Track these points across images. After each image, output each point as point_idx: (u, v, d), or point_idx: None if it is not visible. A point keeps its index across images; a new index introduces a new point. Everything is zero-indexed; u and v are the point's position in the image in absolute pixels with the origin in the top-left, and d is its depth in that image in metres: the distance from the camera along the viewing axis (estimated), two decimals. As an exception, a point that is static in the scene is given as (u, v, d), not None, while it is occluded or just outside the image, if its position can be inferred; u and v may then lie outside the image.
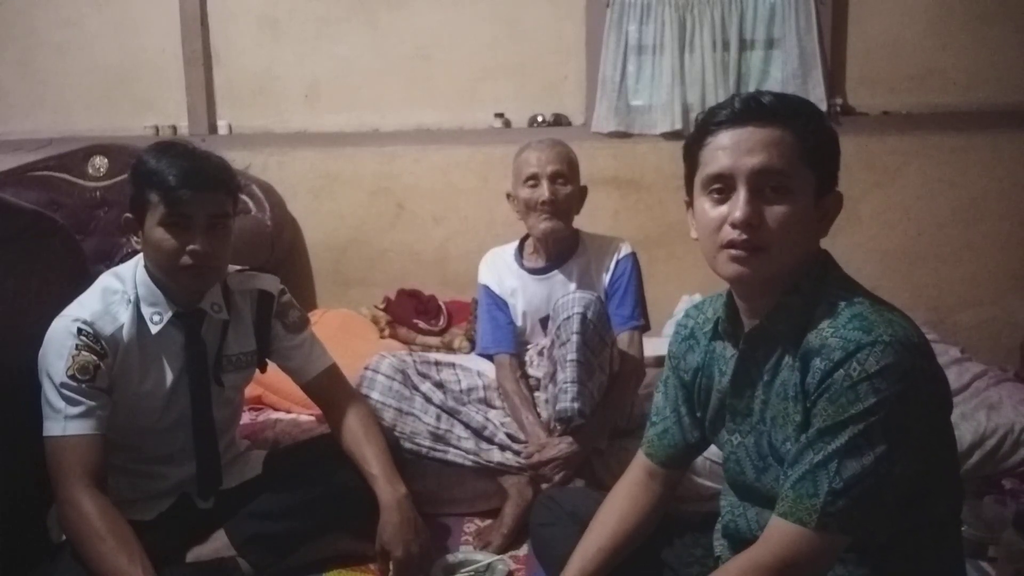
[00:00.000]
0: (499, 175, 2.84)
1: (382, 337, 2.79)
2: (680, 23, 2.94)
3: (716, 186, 1.10)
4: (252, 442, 1.94)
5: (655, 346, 2.21)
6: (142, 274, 1.58)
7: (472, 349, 2.53)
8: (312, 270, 3.21)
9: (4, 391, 1.50)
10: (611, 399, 1.96)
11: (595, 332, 1.85)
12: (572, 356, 1.83)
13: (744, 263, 1.08)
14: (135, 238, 1.57)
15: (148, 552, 1.41)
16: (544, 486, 1.88)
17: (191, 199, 1.49)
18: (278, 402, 2.33)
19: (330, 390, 1.79)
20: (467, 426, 2.00)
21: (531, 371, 2.11)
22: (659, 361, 1.90)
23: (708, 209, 1.12)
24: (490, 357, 2.15)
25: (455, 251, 3.12)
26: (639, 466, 1.37)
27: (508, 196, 2.15)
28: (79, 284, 1.61)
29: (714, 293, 1.29)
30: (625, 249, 2.11)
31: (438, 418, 1.98)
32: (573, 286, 2.06)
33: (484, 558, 1.76)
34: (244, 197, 2.72)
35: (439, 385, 2.05)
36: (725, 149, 1.09)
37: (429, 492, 1.95)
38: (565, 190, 2.04)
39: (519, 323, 2.15)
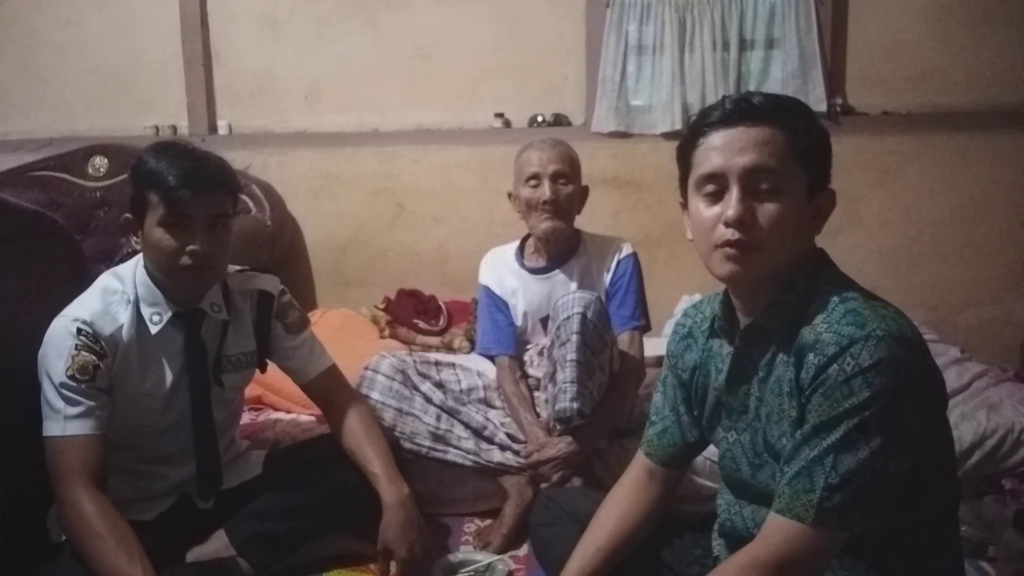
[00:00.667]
0: (499, 175, 2.85)
1: (382, 337, 2.79)
2: (680, 23, 2.94)
3: (709, 186, 1.11)
4: (252, 442, 1.94)
5: (655, 346, 2.20)
6: (142, 274, 1.58)
7: (472, 349, 2.53)
8: (312, 270, 3.21)
9: (4, 391, 1.50)
10: (611, 399, 1.96)
11: (595, 332, 1.85)
12: (572, 356, 1.83)
13: (738, 262, 1.09)
14: (135, 238, 1.57)
15: (148, 552, 1.41)
16: (543, 485, 1.88)
17: (191, 199, 1.49)
18: (278, 402, 2.33)
19: (330, 390, 1.79)
20: (467, 426, 2.00)
21: (531, 371, 2.11)
22: (659, 361, 1.89)
23: (702, 209, 1.12)
24: (491, 357, 2.15)
25: (455, 251, 3.12)
26: (638, 466, 1.38)
27: (509, 196, 2.15)
28: (79, 284, 1.61)
29: (713, 293, 1.29)
30: (626, 249, 2.11)
31: (438, 418, 1.99)
32: (574, 286, 2.07)
33: (484, 558, 1.76)
34: (244, 197, 2.72)
35: (439, 385, 2.05)
36: (717, 149, 1.10)
37: (429, 492, 1.95)
38: (567, 190, 2.05)
39: (519, 323, 2.15)
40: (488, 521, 1.96)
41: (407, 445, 1.93)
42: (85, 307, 1.53)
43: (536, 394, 2.06)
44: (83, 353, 1.48)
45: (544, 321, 2.09)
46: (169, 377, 1.60)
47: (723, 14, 2.93)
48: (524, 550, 1.83)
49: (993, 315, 3.02)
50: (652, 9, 2.96)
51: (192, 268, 1.52)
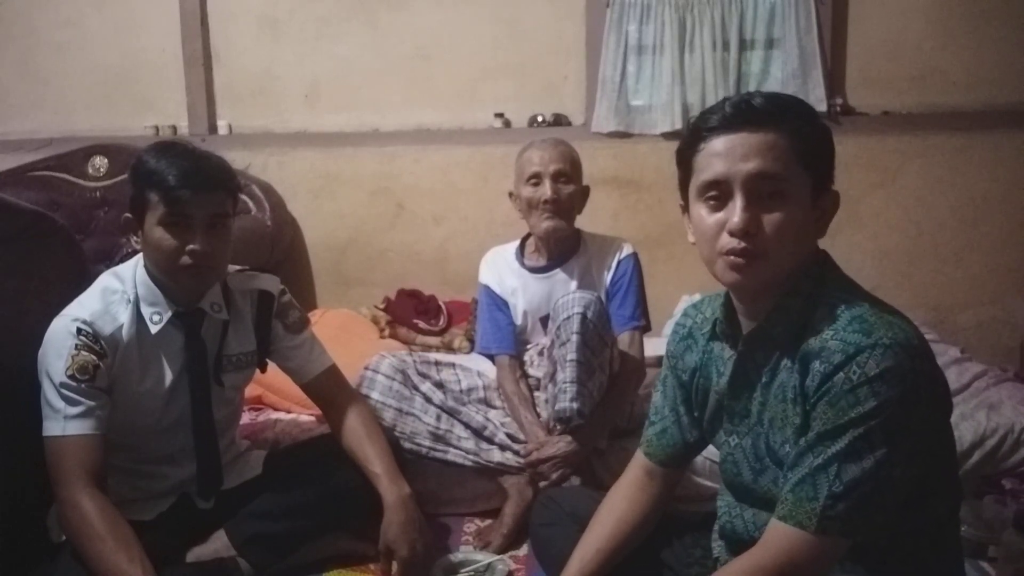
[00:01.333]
0: (499, 175, 2.85)
1: (382, 337, 2.79)
2: (680, 23, 2.94)
3: (712, 193, 1.10)
4: (252, 442, 1.94)
5: (655, 346, 2.20)
6: (142, 274, 1.58)
7: (472, 349, 2.53)
8: (312, 270, 3.21)
9: (4, 391, 1.50)
10: (611, 399, 1.96)
11: (595, 332, 1.85)
12: (572, 356, 1.82)
13: (743, 271, 1.08)
14: (135, 238, 1.57)
15: (148, 552, 1.41)
16: (541, 484, 1.88)
17: (191, 199, 1.49)
18: (278, 402, 2.33)
19: (330, 390, 1.79)
20: (467, 426, 2.00)
21: (531, 371, 2.11)
22: (659, 361, 1.89)
23: (705, 216, 1.11)
24: (490, 356, 2.15)
25: (455, 251, 3.12)
26: (638, 466, 1.37)
27: (510, 195, 2.15)
28: (79, 284, 1.61)
29: (713, 293, 1.29)
30: (627, 249, 2.11)
31: (438, 418, 1.98)
32: (574, 285, 2.07)
33: (484, 558, 1.76)
34: (244, 197, 2.72)
35: (439, 385, 2.05)
36: (719, 155, 1.08)
37: (429, 492, 1.95)
38: (567, 189, 2.05)
39: (519, 322, 2.15)
40: (488, 521, 1.96)
41: (407, 445, 1.93)
42: (85, 307, 1.53)
43: (536, 394, 2.06)
44: (83, 353, 1.48)
45: (544, 320, 2.09)
46: (169, 377, 1.60)
47: (723, 14, 2.93)
48: (524, 550, 1.83)
49: (993, 315, 3.02)
50: (652, 9, 2.96)
51: (192, 267, 1.52)
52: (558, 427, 1.90)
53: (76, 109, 3.26)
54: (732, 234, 1.07)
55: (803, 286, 1.11)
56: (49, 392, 1.48)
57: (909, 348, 1.00)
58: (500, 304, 2.15)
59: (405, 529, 1.59)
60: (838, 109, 2.96)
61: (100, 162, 3.02)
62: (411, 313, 2.86)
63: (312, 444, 1.92)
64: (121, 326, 1.54)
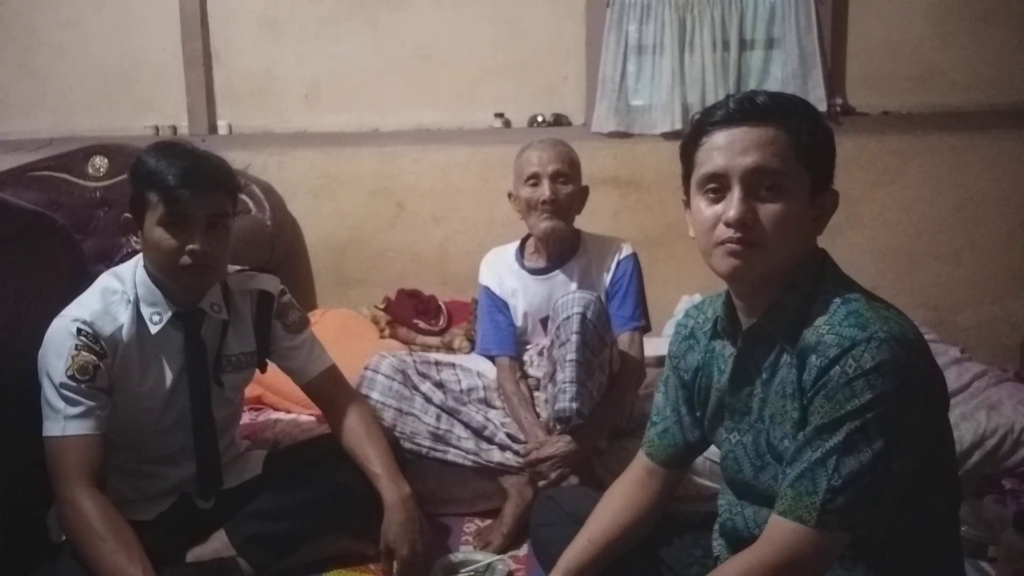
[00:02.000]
0: (499, 175, 2.85)
1: (382, 337, 2.79)
2: (680, 23, 2.94)
3: (711, 185, 1.11)
4: (252, 442, 1.94)
5: (655, 346, 2.21)
6: (142, 274, 1.58)
7: (472, 349, 2.53)
8: (312, 270, 3.21)
9: (4, 391, 1.50)
10: (611, 399, 1.96)
11: (595, 332, 1.85)
12: (571, 356, 1.83)
13: (739, 256, 1.09)
14: (135, 238, 1.57)
15: (148, 552, 1.41)
16: (540, 484, 1.88)
17: (190, 199, 1.49)
18: (278, 402, 2.33)
19: (330, 390, 1.79)
20: (467, 426, 2.00)
21: (531, 371, 2.11)
22: (660, 361, 1.90)
23: (703, 208, 1.12)
24: (491, 357, 2.15)
25: (455, 251, 3.12)
26: (639, 465, 1.38)
27: (509, 195, 2.15)
28: (79, 284, 1.61)
29: (714, 293, 1.29)
30: (626, 250, 2.11)
31: (438, 418, 1.99)
32: (574, 286, 2.06)
33: (484, 558, 1.76)
34: (244, 197, 2.72)
35: (439, 385, 2.05)
36: (720, 149, 1.10)
37: (429, 492, 1.94)
38: (566, 189, 2.05)
39: (519, 323, 2.15)
40: (488, 521, 1.96)
41: (407, 445, 1.93)
42: (85, 307, 1.53)
43: (536, 394, 2.06)
44: (83, 353, 1.48)
45: (544, 321, 2.09)
46: (169, 377, 1.60)
47: (723, 14, 2.93)
48: (524, 550, 1.83)
49: (993, 315, 3.02)
50: (652, 9, 2.96)
51: (192, 267, 1.52)
52: (558, 427, 1.90)
53: (76, 109, 3.26)
54: (728, 224, 1.08)
55: (801, 283, 1.11)
56: (49, 392, 1.48)
57: (905, 342, 1.01)
58: (500, 305, 2.15)
59: (405, 529, 1.59)
60: (838, 109, 2.96)
61: (100, 162, 3.02)
62: (411, 313, 2.86)
63: (312, 444, 1.92)
64: (121, 326, 1.54)
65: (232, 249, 1.61)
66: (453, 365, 2.14)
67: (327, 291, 3.21)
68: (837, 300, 1.07)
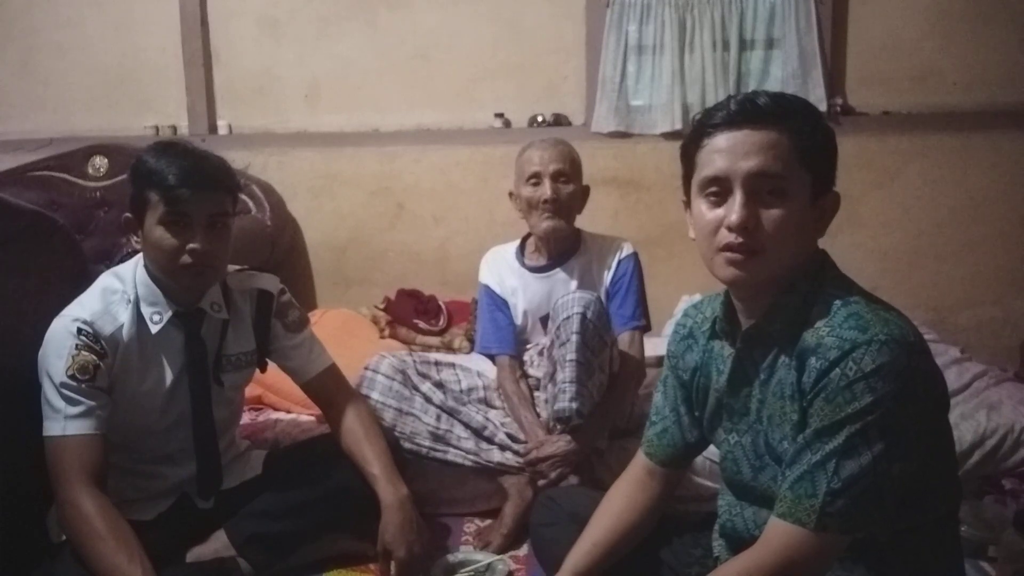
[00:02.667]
0: (499, 175, 2.85)
1: (382, 337, 2.79)
2: (680, 23, 2.94)
3: (712, 189, 1.10)
4: (252, 442, 1.94)
5: (655, 346, 2.20)
6: (142, 274, 1.58)
7: (472, 349, 2.53)
8: (312, 270, 3.21)
9: (4, 391, 1.50)
10: (611, 399, 1.96)
11: (595, 332, 1.85)
12: (571, 356, 1.82)
13: (740, 267, 1.08)
14: (135, 238, 1.57)
15: (148, 552, 1.40)
16: (540, 483, 1.88)
17: (191, 198, 1.49)
18: (278, 402, 2.33)
19: (330, 390, 1.79)
20: (467, 426, 2.00)
21: (531, 371, 2.11)
22: (659, 361, 1.90)
23: (705, 211, 1.12)
24: (491, 357, 2.15)
25: (455, 251, 3.12)
26: (638, 465, 1.38)
27: (510, 195, 2.15)
28: (79, 284, 1.61)
29: (713, 293, 1.29)
30: (627, 249, 2.11)
31: (438, 418, 1.98)
32: (574, 285, 2.07)
33: (484, 558, 1.76)
34: (244, 197, 2.71)
35: (439, 385, 2.05)
36: (721, 152, 1.09)
37: (429, 492, 1.95)
38: (567, 189, 2.05)
39: (520, 322, 2.15)
40: (488, 521, 1.96)
41: (407, 445, 1.93)
42: (85, 307, 1.53)
43: (536, 394, 2.06)
44: (83, 353, 1.48)
45: (544, 320, 2.09)
46: (169, 376, 1.60)
47: (723, 14, 2.93)
48: (524, 550, 1.83)
49: (993, 315, 3.02)
50: (652, 9, 2.96)
51: (192, 267, 1.52)
52: (558, 427, 1.90)
53: (76, 109, 3.26)
54: (730, 229, 1.07)
55: (801, 284, 1.11)
56: (49, 392, 1.48)
57: (905, 344, 1.00)
58: (500, 304, 2.15)
59: (402, 530, 1.59)
60: (838, 109, 2.96)
61: (100, 162, 3.02)
62: (411, 313, 2.86)
63: (312, 444, 1.92)
64: (121, 326, 1.54)
65: (232, 249, 1.61)
66: (453, 365, 2.15)
67: (327, 291, 3.20)
68: (838, 302, 1.07)
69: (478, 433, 1.99)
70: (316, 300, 3.19)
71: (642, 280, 2.11)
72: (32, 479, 1.49)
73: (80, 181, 3.01)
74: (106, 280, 1.59)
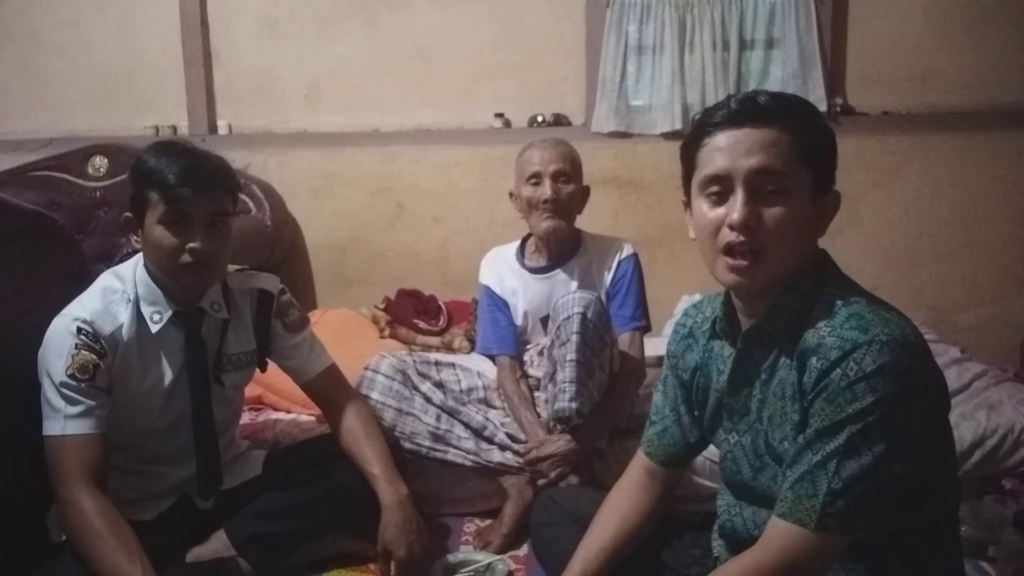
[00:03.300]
0: (499, 175, 2.85)
1: (382, 337, 2.79)
2: (680, 23, 2.94)
3: (713, 187, 1.10)
4: (252, 442, 1.94)
5: (655, 346, 2.20)
6: (142, 273, 1.58)
7: (472, 349, 2.53)
8: (312, 270, 3.21)
9: (4, 391, 1.50)
10: (611, 399, 1.95)
11: (595, 332, 1.85)
12: (572, 356, 1.82)
13: (742, 273, 1.08)
14: (135, 237, 1.57)
15: (148, 552, 1.40)
16: (540, 483, 1.88)
17: (191, 197, 1.49)
18: (278, 402, 2.33)
19: (330, 390, 1.79)
20: (467, 426, 2.00)
21: (531, 371, 2.11)
22: (659, 361, 1.89)
23: (706, 211, 1.12)
24: (491, 357, 2.15)
25: (455, 251, 3.12)
26: (639, 466, 1.38)
27: (511, 195, 2.15)
28: (79, 284, 1.61)
29: (713, 293, 1.29)
30: (627, 250, 2.11)
31: (438, 418, 1.98)
32: (574, 285, 2.07)
33: (484, 558, 1.76)
34: (244, 197, 2.71)
35: (439, 385, 2.05)
36: (722, 150, 1.09)
37: (429, 492, 1.95)
38: (567, 189, 2.05)
39: (520, 322, 2.15)
40: (488, 521, 1.96)
41: (407, 445, 1.93)
42: (85, 306, 1.53)
43: (536, 394, 2.06)
44: (83, 352, 1.48)
45: (544, 321, 2.09)
46: (169, 376, 1.60)
47: (723, 14, 2.93)
48: (524, 550, 1.83)
49: (993, 315, 3.02)
50: (652, 9, 2.96)
51: (192, 266, 1.52)
52: (558, 427, 1.90)
53: (76, 109, 3.26)
54: (732, 228, 1.07)
55: (802, 284, 1.11)
56: (49, 392, 1.48)
57: (906, 344, 1.00)
58: (500, 305, 2.15)
59: (402, 530, 1.59)
60: (838, 109, 2.96)
61: (100, 162, 3.02)
62: (411, 313, 2.86)
63: (312, 444, 1.92)
64: (121, 325, 1.54)
65: (232, 249, 1.61)
66: (453, 365, 2.14)
67: (327, 291, 3.20)
68: (839, 302, 1.07)
69: (478, 433, 1.99)
70: (316, 300, 3.19)
71: (642, 280, 2.11)
72: (32, 479, 1.49)
73: (80, 181, 3.01)
74: (106, 280, 1.59)
